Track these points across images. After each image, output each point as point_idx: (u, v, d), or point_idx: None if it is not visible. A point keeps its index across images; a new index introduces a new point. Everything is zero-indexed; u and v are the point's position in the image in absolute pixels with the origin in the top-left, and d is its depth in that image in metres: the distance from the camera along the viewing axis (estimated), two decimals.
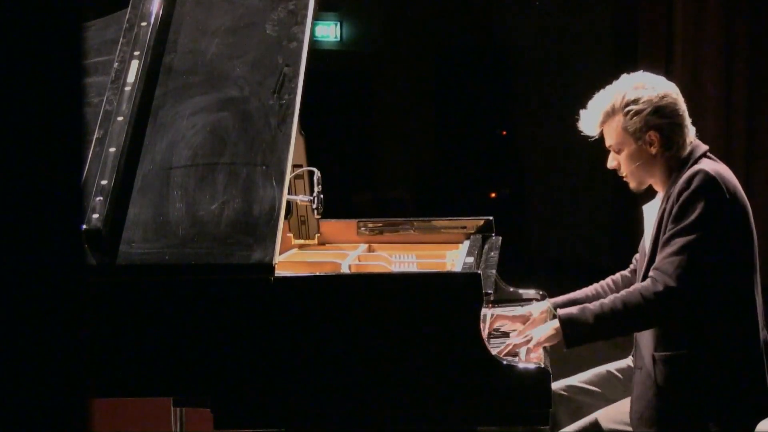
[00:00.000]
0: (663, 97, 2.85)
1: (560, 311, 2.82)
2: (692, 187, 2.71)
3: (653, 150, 2.84)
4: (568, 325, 2.76)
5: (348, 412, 2.57)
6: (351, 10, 10.52)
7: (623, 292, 2.76)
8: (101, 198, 2.59)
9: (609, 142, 2.92)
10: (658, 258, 2.73)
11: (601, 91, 2.93)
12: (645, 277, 2.81)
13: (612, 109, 2.87)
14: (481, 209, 4.30)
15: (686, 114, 2.89)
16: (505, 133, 10.31)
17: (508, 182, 10.20)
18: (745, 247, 2.78)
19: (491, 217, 3.73)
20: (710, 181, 2.71)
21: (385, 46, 10.59)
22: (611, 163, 2.95)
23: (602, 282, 3.21)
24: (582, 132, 2.96)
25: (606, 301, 2.76)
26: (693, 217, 2.69)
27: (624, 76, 2.93)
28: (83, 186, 2.51)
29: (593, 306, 2.77)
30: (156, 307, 2.59)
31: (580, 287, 3.24)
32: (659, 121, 2.83)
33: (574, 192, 9.92)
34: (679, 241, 2.69)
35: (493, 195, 10.12)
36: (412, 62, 10.49)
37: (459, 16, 10.48)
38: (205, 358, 2.57)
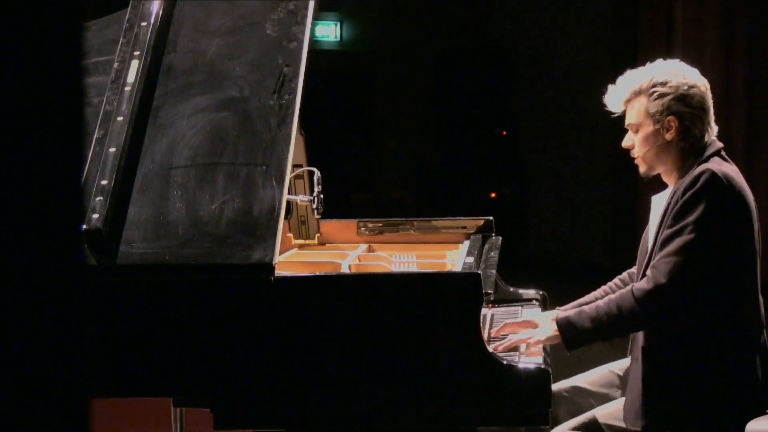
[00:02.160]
0: (691, 86, 2.84)
1: (558, 314, 2.83)
2: (697, 186, 2.70)
3: (669, 136, 2.83)
4: (565, 328, 2.78)
5: (348, 412, 2.57)
6: (351, 10, 10.52)
7: (617, 294, 2.76)
8: (101, 198, 2.59)
9: (629, 120, 2.91)
10: (656, 255, 2.73)
11: (632, 70, 2.92)
12: (644, 270, 2.81)
13: (639, 88, 2.86)
14: (481, 209, 4.30)
15: (711, 110, 2.87)
16: (505, 133, 10.31)
17: (508, 182, 10.19)
18: (747, 247, 2.77)
19: (491, 217, 3.73)
20: (716, 181, 2.70)
21: (385, 46, 10.58)
22: (626, 142, 2.93)
23: (609, 283, 3.19)
24: (606, 107, 2.94)
25: (602, 303, 2.77)
26: (694, 216, 2.68)
27: (660, 61, 2.93)
28: (83, 186, 2.51)
29: (589, 309, 2.78)
30: (156, 307, 2.59)
31: (580, 287, 3.24)
32: (682, 109, 2.83)
33: (574, 192, 9.92)
34: (678, 241, 2.69)
35: (493, 195, 10.11)
36: (412, 62, 10.48)
37: (459, 16, 10.48)
38: (205, 358, 2.57)
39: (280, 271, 2.57)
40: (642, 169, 2.92)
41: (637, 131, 2.89)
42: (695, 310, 2.73)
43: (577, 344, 2.79)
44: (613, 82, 2.96)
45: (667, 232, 2.73)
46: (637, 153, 2.90)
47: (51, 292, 0.94)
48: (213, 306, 2.57)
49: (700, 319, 2.73)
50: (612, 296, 2.77)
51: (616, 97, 2.92)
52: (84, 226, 2.52)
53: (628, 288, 2.75)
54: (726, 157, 2.86)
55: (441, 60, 10.36)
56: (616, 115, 2.95)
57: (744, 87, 7.71)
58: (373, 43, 10.64)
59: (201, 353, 2.57)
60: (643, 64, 2.96)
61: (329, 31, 10.54)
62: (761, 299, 2.83)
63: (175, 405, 3.37)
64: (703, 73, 2.93)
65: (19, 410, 0.92)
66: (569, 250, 9.84)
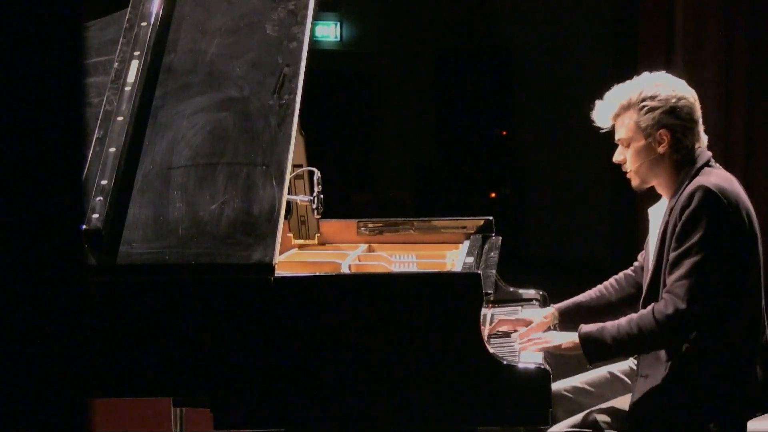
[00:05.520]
0: (680, 98, 2.84)
1: (581, 329, 2.83)
2: (693, 204, 2.71)
3: (661, 149, 2.84)
4: (586, 343, 2.80)
5: (348, 412, 2.57)
6: (351, 10, 10.51)
7: (638, 315, 2.77)
8: (101, 198, 2.60)
9: (619, 135, 2.91)
10: (669, 280, 2.74)
11: (620, 84, 2.92)
12: (650, 289, 2.83)
13: (628, 102, 2.86)
14: (481, 209, 4.30)
15: (700, 121, 2.88)
16: (505, 133, 10.31)
17: (508, 182, 10.19)
18: (751, 252, 2.78)
19: (491, 217, 3.73)
20: (710, 197, 2.71)
21: (385, 46, 10.58)
22: (618, 157, 2.93)
23: (606, 283, 3.20)
24: (594, 123, 2.95)
25: (623, 323, 2.78)
26: (697, 236, 2.69)
27: (645, 74, 2.92)
28: (83, 186, 2.51)
29: (611, 327, 2.79)
30: (156, 307, 2.59)
31: (580, 287, 3.24)
32: (672, 122, 2.83)
33: (574, 192, 9.92)
34: (687, 263, 2.70)
35: (493, 195, 10.11)
36: (412, 62, 10.48)
37: (459, 16, 10.47)
38: (204, 358, 2.57)
39: (280, 271, 2.57)
40: (635, 182, 2.93)
41: (628, 146, 2.89)
42: (712, 323, 2.74)
43: (598, 358, 2.84)
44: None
45: (673, 254, 2.74)
46: (629, 167, 2.91)
47: (51, 292, 0.94)
48: (213, 306, 2.57)
49: (713, 327, 2.74)
50: (633, 316, 2.78)
51: (604, 112, 2.93)
52: (84, 226, 2.52)
53: (648, 310, 2.75)
54: (715, 165, 2.86)
55: (441, 60, 10.36)
56: (604, 130, 2.96)
57: (744, 87, 7.71)
58: (373, 43, 10.64)
59: (201, 353, 2.57)
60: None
61: (329, 31, 10.53)
62: (763, 298, 2.83)
63: (175, 405, 3.38)
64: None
65: (19, 410, 0.92)
66: (569, 250, 9.83)
